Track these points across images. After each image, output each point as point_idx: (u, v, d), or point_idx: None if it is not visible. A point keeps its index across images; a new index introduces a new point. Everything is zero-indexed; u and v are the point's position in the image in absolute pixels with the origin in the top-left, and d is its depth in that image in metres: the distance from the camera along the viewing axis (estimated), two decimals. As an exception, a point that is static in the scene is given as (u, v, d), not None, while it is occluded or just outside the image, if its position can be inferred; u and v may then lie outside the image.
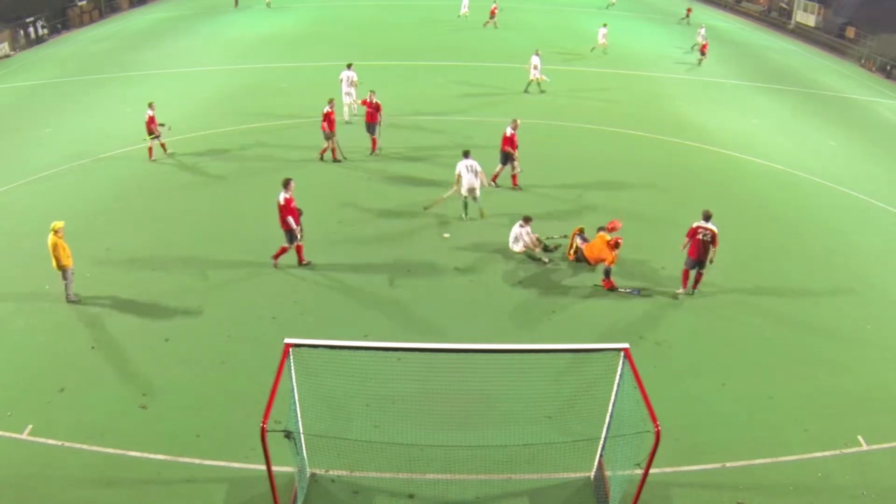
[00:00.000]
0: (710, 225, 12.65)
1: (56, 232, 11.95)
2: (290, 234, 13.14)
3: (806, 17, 45.35)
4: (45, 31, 35.02)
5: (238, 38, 34.73)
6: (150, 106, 18.35)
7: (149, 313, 11.98)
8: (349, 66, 21.50)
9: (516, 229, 14.14)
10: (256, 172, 17.95)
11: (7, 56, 31.11)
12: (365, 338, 11.32)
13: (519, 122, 17.18)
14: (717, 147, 21.45)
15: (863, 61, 37.34)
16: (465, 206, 15.73)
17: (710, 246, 12.64)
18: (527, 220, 14.06)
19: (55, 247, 11.90)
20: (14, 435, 9.17)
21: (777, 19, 47.95)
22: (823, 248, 15.49)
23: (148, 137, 18.39)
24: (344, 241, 14.68)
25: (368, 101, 18.98)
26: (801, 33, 44.27)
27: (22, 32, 33.11)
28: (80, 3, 38.77)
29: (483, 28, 37.45)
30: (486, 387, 9.66)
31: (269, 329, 11.51)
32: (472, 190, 15.42)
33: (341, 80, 21.39)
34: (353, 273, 13.51)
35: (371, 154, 19.21)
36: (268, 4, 43.03)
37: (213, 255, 13.99)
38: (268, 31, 36.54)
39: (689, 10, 43.38)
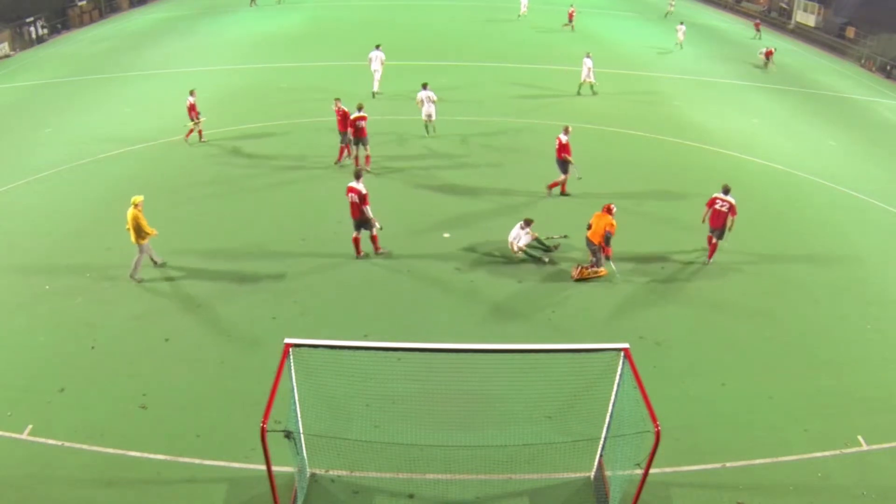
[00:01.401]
0: (728, 197, 13.89)
1: (136, 205, 12.49)
2: (368, 224, 13.69)
3: (806, 17, 45.35)
4: (45, 31, 35.02)
5: (238, 39, 34.73)
6: (192, 93, 19.37)
7: (149, 313, 11.98)
8: (378, 47, 24.23)
9: (516, 230, 14.14)
10: (256, 173, 17.97)
11: (7, 56, 31.11)
12: (365, 338, 11.32)
13: (570, 128, 17.04)
14: (717, 147, 21.46)
15: (863, 61, 37.34)
16: (426, 127, 20.37)
17: (729, 216, 13.78)
18: (528, 222, 14.07)
19: (135, 220, 12.45)
20: (14, 435, 9.17)
21: (777, 19, 47.95)
22: (823, 248, 15.49)
23: (189, 123, 19.50)
24: (344, 241, 14.67)
25: (337, 108, 18.00)
26: (801, 33, 44.28)
27: (22, 32, 33.11)
28: (80, 3, 38.77)
29: (561, 29, 38.36)
30: (486, 387, 9.66)
31: (269, 329, 11.51)
32: (429, 115, 20.16)
33: (370, 60, 24.08)
34: (353, 273, 13.51)
35: (336, 163, 18.33)
36: (278, 1, 43.12)
37: (213, 254, 13.99)
38: (268, 30, 36.54)
39: (671, 3, 44.56)
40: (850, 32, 40.21)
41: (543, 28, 39.19)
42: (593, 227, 13.38)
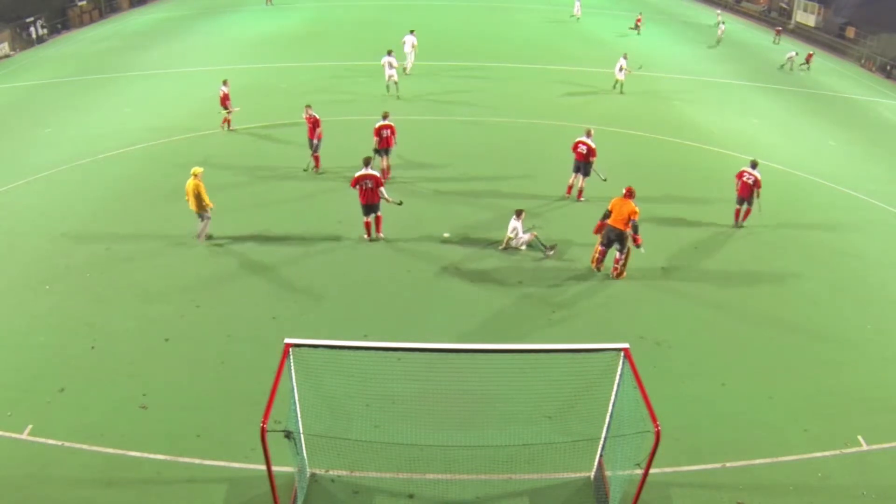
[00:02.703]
0: (754, 171, 15.53)
1: (196, 176, 13.51)
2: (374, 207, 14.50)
3: (806, 17, 45.36)
4: (45, 31, 35.00)
5: (238, 39, 34.73)
6: (225, 83, 20.35)
7: (149, 313, 11.98)
8: (412, 32, 27.47)
9: (513, 222, 14.16)
10: (256, 174, 17.95)
11: (7, 56, 31.11)
12: (365, 338, 11.32)
13: (593, 130, 16.99)
14: (718, 147, 21.46)
15: (863, 61, 37.35)
16: (388, 88, 24.10)
17: (755, 188, 15.43)
18: (519, 212, 14.17)
19: (196, 189, 13.47)
20: (14, 435, 9.17)
21: (777, 19, 47.94)
22: (823, 248, 15.50)
23: (223, 111, 20.48)
24: (344, 241, 14.68)
25: (307, 116, 17.65)
26: (801, 33, 44.28)
27: (22, 32, 33.11)
28: (80, 3, 38.76)
29: (628, 31, 38.98)
30: (486, 387, 9.66)
31: (269, 329, 11.51)
32: (391, 76, 24.06)
33: (404, 43, 27.16)
34: (353, 273, 13.51)
35: (314, 170, 17.97)
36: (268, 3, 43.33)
37: (213, 255, 13.99)
38: (268, 30, 36.55)
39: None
40: (850, 32, 40.22)
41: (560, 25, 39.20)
42: (615, 213, 13.02)
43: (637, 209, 12.94)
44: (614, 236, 13.14)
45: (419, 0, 45.39)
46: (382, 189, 14.23)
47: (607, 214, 13.26)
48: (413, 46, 27.36)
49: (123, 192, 16.71)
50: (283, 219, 15.58)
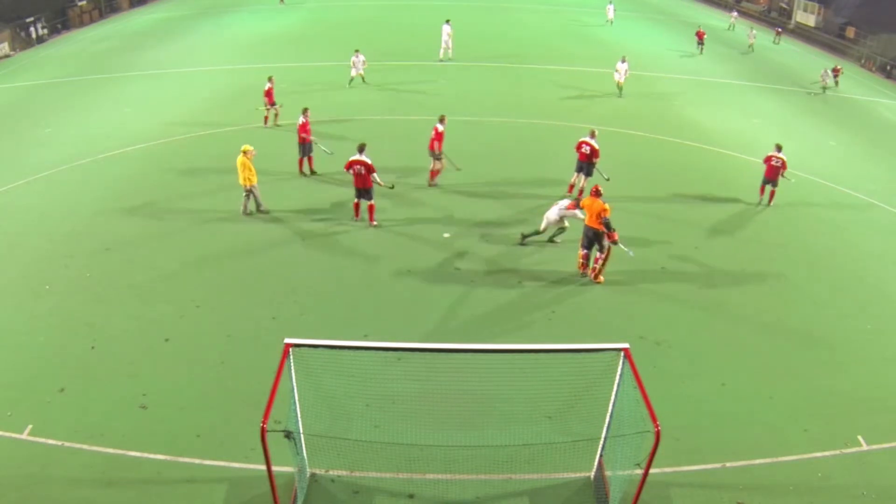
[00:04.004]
0: (780, 154, 16.96)
1: (245, 153, 14.60)
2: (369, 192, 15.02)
3: (806, 17, 45.37)
4: (45, 31, 35.00)
5: (238, 38, 34.74)
6: (270, 80, 21.14)
7: (149, 313, 11.98)
8: (447, 22, 30.06)
9: (563, 209, 14.14)
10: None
11: (7, 56, 31.11)
12: (365, 338, 11.32)
13: (596, 131, 17.07)
14: (718, 147, 21.47)
15: (863, 61, 37.36)
16: (350, 80, 25.57)
17: (780, 170, 16.99)
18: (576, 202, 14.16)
19: (243, 166, 14.52)
20: (14, 435, 9.16)
21: (777, 19, 47.94)
22: (823, 247, 15.50)
23: (265, 107, 21.13)
24: (344, 241, 14.69)
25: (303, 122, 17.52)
26: (801, 33, 44.29)
27: (22, 33, 33.11)
28: (80, 3, 38.76)
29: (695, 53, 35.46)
30: (486, 387, 9.66)
31: (269, 329, 11.51)
32: (358, 72, 25.57)
33: (443, 32, 29.84)
34: (354, 273, 13.52)
35: (311, 174, 17.93)
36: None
37: (213, 255, 13.99)
38: (269, 30, 36.56)
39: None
40: (850, 32, 40.23)
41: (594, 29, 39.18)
42: (588, 213, 13.19)
43: (606, 206, 12.93)
44: (592, 235, 13.24)
45: (427, 0, 45.38)
46: (375, 175, 14.71)
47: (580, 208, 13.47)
48: (448, 35, 29.87)
49: (123, 192, 16.71)
50: (283, 218, 15.58)
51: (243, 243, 14.42)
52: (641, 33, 40.04)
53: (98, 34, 36.10)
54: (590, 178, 16.98)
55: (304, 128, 17.47)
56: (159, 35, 35.48)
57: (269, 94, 20.94)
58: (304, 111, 17.66)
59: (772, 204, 17.27)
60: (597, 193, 13.18)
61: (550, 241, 14.70)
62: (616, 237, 13.01)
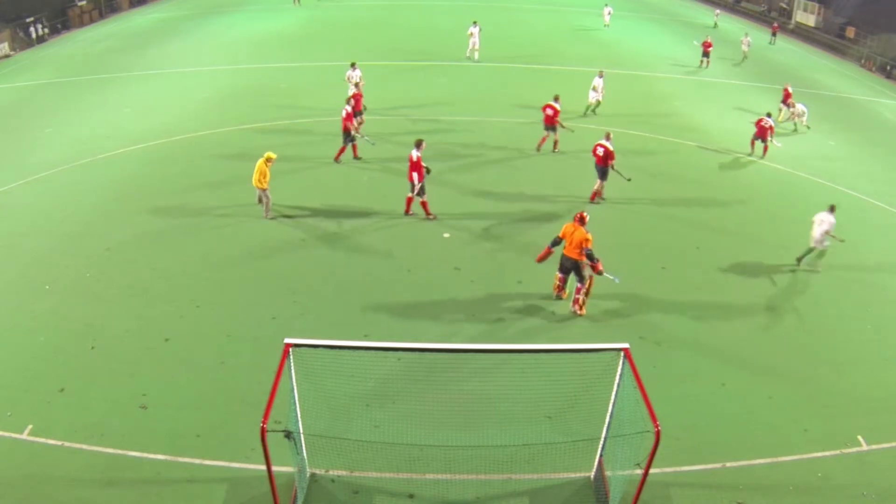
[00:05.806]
0: (770, 119, 19.84)
1: (268, 161, 14.94)
2: (412, 186, 15.22)
3: (806, 17, 45.38)
4: (46, 31, 34.99)
5: (238, 38, 34.73)
6: (356, 87, 21.36)
7: (149, 313, 11.98)
8: (475, 23, 30.92)
9: (827, 218, 13.98)
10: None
11: (7, 56, 31.10)
12: (365, 338, 11.32)
13: (612, 133, 16.76)
14: (718, 147, 21.47)
15: (863, 61, 37.36)
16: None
17: (769, 131, 20.00)
18: (832, 208, 14.11)
19: (260, 170, 14.87)
20: (14, 435, 9.17)
21: (777, 19, 47.95)
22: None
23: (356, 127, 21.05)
24: (344, 241, 14.69)
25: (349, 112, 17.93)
26: (801, 33, 44.29)
27: (22, 33, 33.11)
28: (80, 3, 38.75)
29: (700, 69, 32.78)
30: (486, 387, 9.67)
31: (269, 329, 11.51)
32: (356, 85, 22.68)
33: (471, 34, 30.70)
34: (353, 273, 13.52)
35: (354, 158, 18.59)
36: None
37: (213, 254, 13.99)
38: (269, 30, 36.55)
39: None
40: (850, 32, 40.23)
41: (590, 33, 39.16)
42: (567, 241, 12.04)
43: (589, 236, 11.82)
44: (570, 265, 12.19)
45: (433, 1, 45.40)
46: (415, 174, 14.98)
47: (556, 241, 12.24)
48: (472, 34, 30.91)
49: (123, 192, 16.71)
50: (283, 218, 15.58)
51: (243, 243, 14.42)
52: (641, 33, 40.01)
53: (98, 34, 36.10)
54: (604, 182, 16.75)
55: (349, 117, 18.02)
56: (159, 35, 35.48)
57: (356, 99, 19.27)
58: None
59: (765, 156, 20.13)
60: (581, 221, 12.04)
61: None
62: (600, 267, 11.86)
